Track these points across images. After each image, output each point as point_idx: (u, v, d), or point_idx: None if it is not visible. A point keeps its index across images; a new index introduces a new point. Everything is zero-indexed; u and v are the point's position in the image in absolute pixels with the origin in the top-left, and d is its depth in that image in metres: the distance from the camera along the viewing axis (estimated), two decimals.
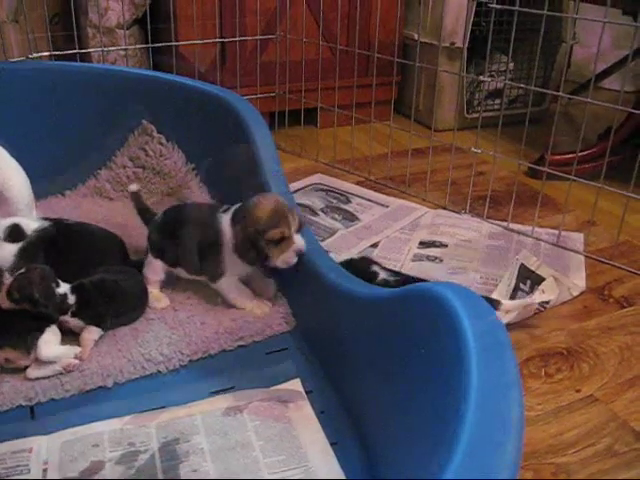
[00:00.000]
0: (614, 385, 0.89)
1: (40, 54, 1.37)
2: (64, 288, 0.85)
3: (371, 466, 0.71)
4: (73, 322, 0.86)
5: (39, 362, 0.82)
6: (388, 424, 0.68)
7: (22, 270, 0.84)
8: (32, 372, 0.82)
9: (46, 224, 0.97)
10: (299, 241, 0.90)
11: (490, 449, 0.47)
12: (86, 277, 0.90)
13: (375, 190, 1.46)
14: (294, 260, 0.90)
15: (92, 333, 0.86)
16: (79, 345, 0.85)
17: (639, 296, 1.09)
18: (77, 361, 0.83)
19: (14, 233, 0.94)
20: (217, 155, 1.20)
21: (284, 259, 0.90)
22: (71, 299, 0.85)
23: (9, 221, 0.95)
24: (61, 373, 0.82)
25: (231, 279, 0.95)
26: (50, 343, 0.82)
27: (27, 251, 0.93)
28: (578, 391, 0.88)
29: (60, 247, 0.95)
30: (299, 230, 0.91)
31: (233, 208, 0.94)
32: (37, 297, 0.81)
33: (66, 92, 1.26)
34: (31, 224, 0.96)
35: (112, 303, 0.88)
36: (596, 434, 0.80)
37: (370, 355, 0.74)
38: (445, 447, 0.48)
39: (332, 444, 0.74)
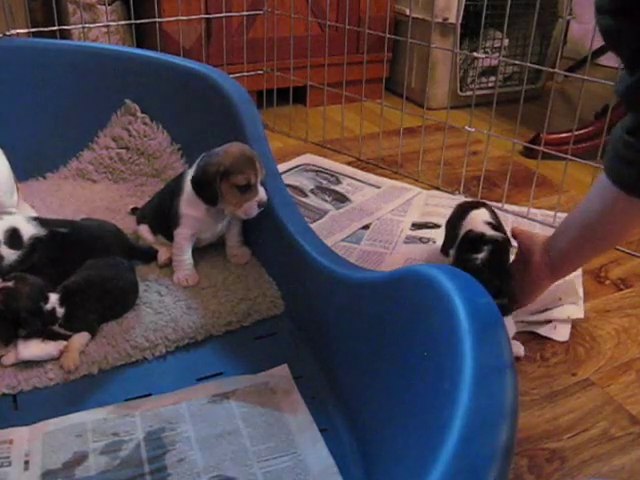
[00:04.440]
0: (610, 368, 0.88)
1: (18, 31, 1.33)
2: (52, 302, 0.81)
3: (362, 453, 0.70)
4: (61, 331, 0.83)
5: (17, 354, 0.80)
6: (380, 409, 0.67)
7: (10, 281, 0.80)
8: (8, 359, 0.80)
9: (41, 233, 0.90)
10: (262, 192, 0.92)
11: (484, 434, 0.46)
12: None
13: (366, 170, 1.43)
14: (255, 212, 0.92)
15: (80, 339, 0.82)
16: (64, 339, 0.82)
17: (636, 278, 1.08)
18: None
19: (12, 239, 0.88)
20: (203, 135, 1.17)
21: (246, 209, 0.92)
22: (59, 312, 0.82)
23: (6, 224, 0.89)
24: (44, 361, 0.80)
25: (182, 234, 0.96)
26: (30, 343, 0.80)
27: (27, 257, 0.89)
28: (574, 375, 0.87)
29: (56, 256, 0.90)
30: (262, 182, 0.93)
31: (199, 158, 0.96)
32: (23, 315, 0.79)
33: (46, 71, 1.23)
34: (28, 229, 0.90)
35: (100, 304, 0.85)
36: (592, 418, 0.80)
37: (361, 339, 0.73)
38: (438, 432, 0.47)
39: (322, 430, 0.73)
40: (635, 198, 0.70)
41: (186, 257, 0.96)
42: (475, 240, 0.94)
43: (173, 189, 0.98)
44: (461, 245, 0.96)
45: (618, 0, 0.61)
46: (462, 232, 0.97)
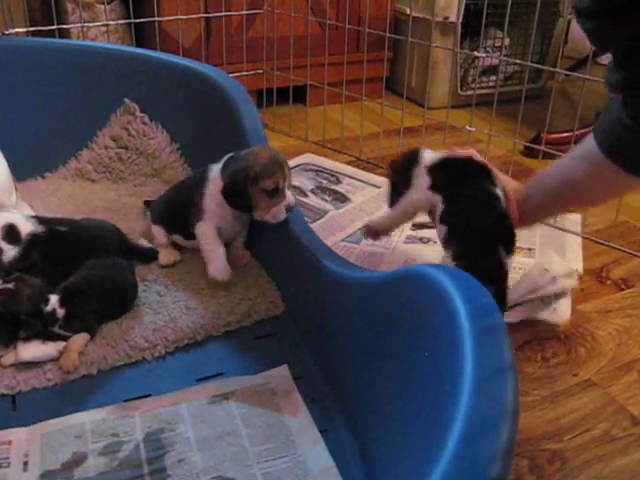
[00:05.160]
0: (611, 369, 0.87)
1: (16, 30, 1.33)
2: (52, 303, 0.81)
3: (362, 454, 0.69)
4: (61, 332, 0.82)
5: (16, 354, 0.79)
6: (380, 410, 0.67)
7: (11, 283, 0.80)
8: (7, 360, 0.80)
9: (40, 230, 0.90)
10: (290, 196, 0.89)
11: (485, 435, 0.46)
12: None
13: (366, 170, 1.43)
14: (283, 216, 0.90)
15: (80, 340, 0.82)
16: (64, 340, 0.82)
17: (637, 278, 1.08)
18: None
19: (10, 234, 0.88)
20: (203, 135, 1.17)
21: (274, 213, 0.89)
22: (59, 313, 0.81)
23: (3, 220, 0.89)
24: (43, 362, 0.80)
25: (208, 226, 0.93)
26: (30, 345, 0.80)
27: (26, 254, 0.88)
28: (575, 375, 0.86)
29: (55, 255, 0.90)
30: (289, 186, 0.91)
31: (226, 157, 0.93)
32: (23, 317, 0.79)
33: (44, 70, 1.22)
34: (26, 225, 0.90)
35: (99, 305, 0.85)
36: (593, 419, 0.79)
37: (361, 340, 0.72)
38: (439, 433, 0.46)
39: (322, 431, 0.73)
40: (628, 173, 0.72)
41: (217, 246, 0.92)
42: (468, 167, 0.83)
43: (194, 184, 0.95)
44: (438, 173, 0.85)
45: (600, 3, 0.60)
46: (424, 164, 0.88)
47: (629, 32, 0.60)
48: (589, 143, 0.75)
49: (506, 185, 0.88)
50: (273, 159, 0.89)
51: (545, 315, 0.93)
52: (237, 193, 0.89)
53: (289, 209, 0.89)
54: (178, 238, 1.00)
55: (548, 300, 0.96)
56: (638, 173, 0.72)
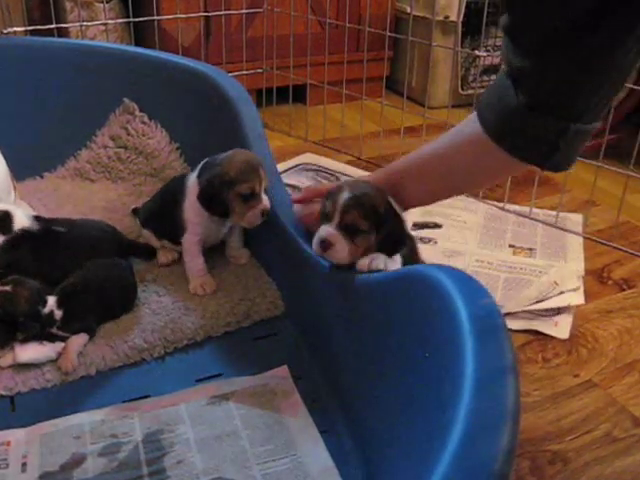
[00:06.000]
0: (613, 370, 0.87)
1: (15, 29, 1.32)
2: (50, 304, 0.81)
3: (363, 454, 0.69)
4: (59, 333, 0.82)
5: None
6: (380, 411, 0.67)
7: (8, 285, 0.79)
8: (5, 361, 0.79)
9: (34, 227, 0.90)
10: (265, 201, 0.89)
11: (486, 436, 0.45)
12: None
13: (366, 170, 1.42)
14: (259, 221, 0.89)
15: (78, 340, 0.81)
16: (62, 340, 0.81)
17: (639, 278, 1.08)
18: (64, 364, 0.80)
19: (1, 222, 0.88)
20: (202, 134, 1.17)
21: (249, 218, 0.89)
22: (57, 314, 0.81)
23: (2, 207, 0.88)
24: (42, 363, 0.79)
25: (191, 239, 0.93)
26: (28, 347, 0.79)
27: (12, 246, 0.88)
28: (576, 376, 0.86)
29: (51, 254, 0.89)
30: (266, 190, 0.90)
31: (201, 163, 0.93)
32: (21, 320, 0.78)
33: (43, 69, 1.22)
34: (22, 220, 0.90)
35: (98, 305, 0.84)
36: (594, 420, 0.79)
37: (362, 340, 0.72)
38: (440, 434, 0.46)
39: (322, 432, 0.72)
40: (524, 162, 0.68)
41: (199, 262, 0.93)
42: None
43: (174, 194, 0.95)
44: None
45: None
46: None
47: None
48: (471, 126, 0.70)
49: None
50: (249, 163, 0.88)
51: (546, 329, 0.93)
52: (213, 198, 0.88)
53: (265, 213, 0.88)
54: (167, 243, 0.99)
55: (550, 312, 0.96)
56: (536, 161, 0.67)
